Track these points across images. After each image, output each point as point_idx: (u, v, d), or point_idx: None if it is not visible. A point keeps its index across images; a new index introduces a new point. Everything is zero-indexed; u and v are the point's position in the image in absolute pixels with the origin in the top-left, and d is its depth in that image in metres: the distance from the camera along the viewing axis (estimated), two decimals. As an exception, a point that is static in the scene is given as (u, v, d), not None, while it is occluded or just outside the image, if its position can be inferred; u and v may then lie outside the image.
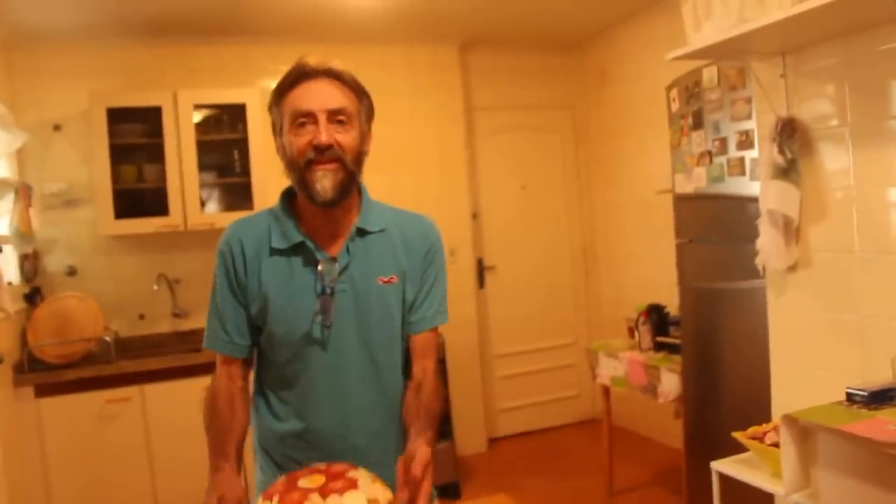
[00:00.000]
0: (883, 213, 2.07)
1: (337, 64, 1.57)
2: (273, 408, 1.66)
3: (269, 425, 1.67)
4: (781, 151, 2.22)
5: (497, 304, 5.28)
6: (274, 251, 1.58)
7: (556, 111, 5.47)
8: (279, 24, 4.24)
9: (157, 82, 4.25)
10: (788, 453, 1.74)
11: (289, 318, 1.57)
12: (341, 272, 1.58)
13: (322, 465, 1.39)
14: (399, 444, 1.61)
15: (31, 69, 4.11)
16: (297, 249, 1.58)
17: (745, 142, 2.68)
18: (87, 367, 3.72)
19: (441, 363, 4.22)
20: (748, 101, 2.63)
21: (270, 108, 1.59)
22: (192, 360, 3.78)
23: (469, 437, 4.94)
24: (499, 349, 5.29)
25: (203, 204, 4.20)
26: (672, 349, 3.44)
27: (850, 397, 1.82)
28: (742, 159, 2.70)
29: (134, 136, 4.08)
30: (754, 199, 2.42)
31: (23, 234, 3.82)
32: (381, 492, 1.32)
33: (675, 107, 3.11)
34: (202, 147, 4.12)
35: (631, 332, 3.83)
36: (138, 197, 4.11)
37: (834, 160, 2.20)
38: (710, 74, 2.84)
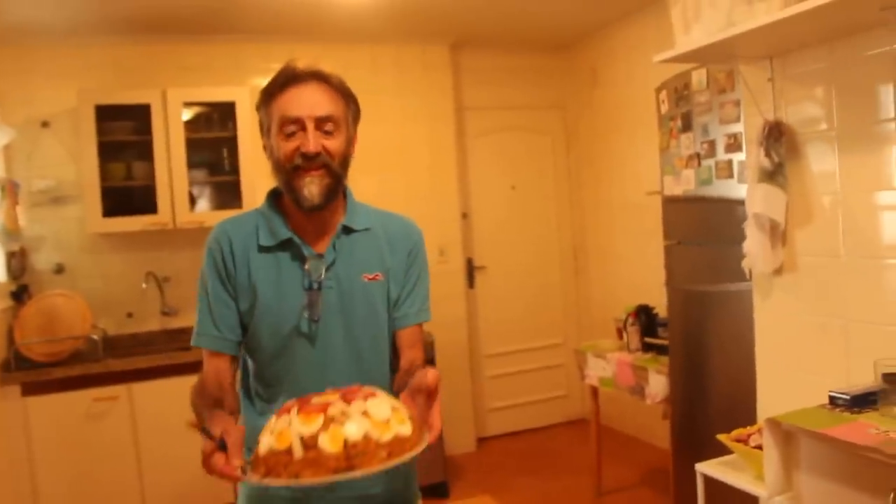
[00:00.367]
0: (869, 218, 2.08)
1: (325, 68, 1.58)
2: (258, 407, 1.66)
3: (253, 425, 1.66)
4: (768, 155, 2.24)
5: (487, 304, 5.28)
6: (262, 248, 1.60)
7: (547, 111, 5.48)
8: (269, 22, 4.23)
9: (147, 80, 4.23)
10: (771, 456, 1.75)
11: (277, 313, 1.58)
12: (328, 269, 1.59)
13: (331, 388, 1.34)
14: None
15: (20, 66, 4.08)
16: (284, 246, 1.60)
17: (734, 145, 2.68)
18: (75, 366, 3.71)
19: (430, 363, 4.21)
20: (737, 104, 2.64)
21: (259, 109, 1.60)
22: (180, 359, 3.76)
23: (458, 437, 4.94)
24: (488, 349, 5.29)
25: (192, 202, 4.18)
26: (660, 350, 3.45)
27: (833, 401, 1.83)
28: (730, 162, 2.71)
29: (123, 133, 4.06)
30: (742, 202, 2.43)
31: (10, 231, 3.81)
32: (400, 404, 1.30)
33: (664, 109, 3.11)
34: (191, 145, 4.11)
35: (619, 332, 3.84)
36: (127, 195, 4.09)
37: (820, 164, 2.21)
38: (699, 77, 2.85)
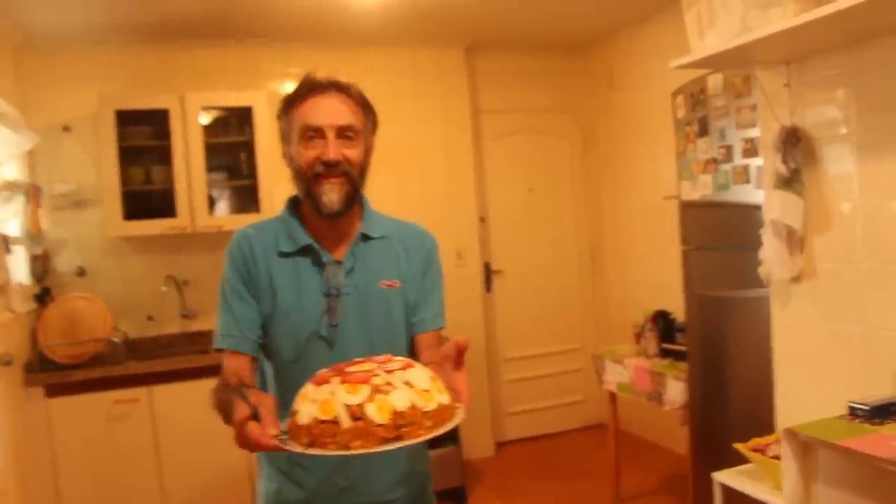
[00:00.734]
0: (889, 224, 2.05)
1: (344, 80, 1.62)
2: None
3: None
4: (785, 161, 2.21)
5: (504, 308, 5.27)
6: (282, 254, 1.63)
7: (564, 114, 5.45)
8: (286, 27, 4.25)
9: (165, 85, 4.27)
10: (789, 468, 1.72)
11: (297, 317, 1.60)
12: (346, 275, 1.62)
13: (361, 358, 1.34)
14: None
15: (42, 72, 4.14)
16: (304, 252, 1.63)
17: (751, 149, 2.66)
18: (97, 368, 3.75)
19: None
20: (754, 108, 2.61)
21: (279, 117, 1.64)
22: (200, 362, 3.79)
23: (476, 442, 4.94)
24: (506, 353, 5.28)
25: (211, 206, 4.21)
26: (678, 356, 3.42)
27: (853, 411, 1.80)
28: (747, 167, 2.69)
29: (142, 138, 4.10)
30: (759, 208, 2.41)
31: (33, 234, 3.86)
32: (435, 374, 1.29)
33: (680, 113, 3.09)
34: (209, 149, 4.14)
35: (637, 338, 3.81)
36: (146, 198, 4.14)
37: (839, 169, 2.19)
38: (715, 81, 2.83)
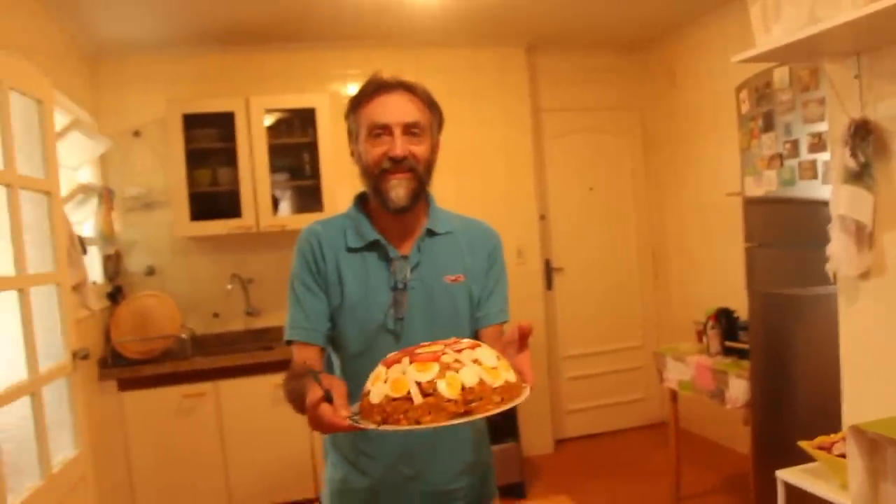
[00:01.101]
0: (962, 219, 1.99)
1: (411, 79, 1.66)
2: None
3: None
4: (854, 155, 2.16)
5: (565, 306, 5.26)
6: (350, 249, 1.68)
7: (625, 112, 5.40)
8: (346, 29, 4.32)
9: (230, 88, 4.39)
10: (856, 466, 1.69)
11: (364, 311, 1.65)
12: (412, 269, 1.66)
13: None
14: (467, 436, 1.71)
15: (114, 79, 4.29)
16: (371, 247, 1.67)
17: (818, 144, 2.61)
18: (166, 363, 3.88)
19: (508, 363, 4.22)
20: (821, 102, 2.56)
21: (347, 117, 1.68)
22: (264, 358, 3.88)
23: (536, 438, 4.94)
24: (566, 350, 5.27)
25: (275, 206, 4.30)
26: (741, 354, 3.37)
27: (924, 410, 1.76)
28: (814, 162, 2.63)
29: (208, 140, 4.22)
30: (826, 204, 2.35)
31: (105, 235, 4.01)
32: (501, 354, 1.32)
33: (744, 108, 3.04)
34: (273, 150, 4.23)
35: (699, 336, 3.76)
36: (213, 199, 4.25)
37: (911, 164, 2.13)
38: (781, 75, 2.77)
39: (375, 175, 1.61)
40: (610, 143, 5.38)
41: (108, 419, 3.72)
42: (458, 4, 4.04)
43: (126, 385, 3.79)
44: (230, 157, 4.19)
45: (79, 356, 2.82)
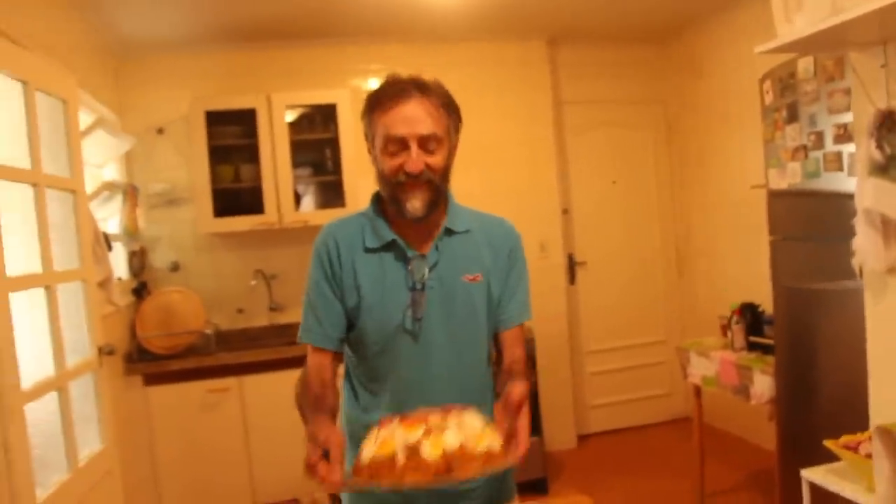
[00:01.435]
0: None
1: (428, 79, 1.63)
2: (361, 400, 1.73)
3: (357, 418, 1.73)
4: (880, 147, 2.12)
5: (588, 300, 5.23)
6: (367, 249, 1.67)
7: (648, 105, 5.35)
8: (368, 24, 4.32)
9: (252, 85, 4.41)
10: (882, 467, 1.67)
11: (382, 311, 1.65)
12: (430, 269, 1.65)
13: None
14: None
15: (138, 77, 4.34)
16: (388, 248, 1.67)
17: (843, 135, 2.56)
18: (190, 358, 3.93)
19: (530, 359, 4.21)
20: (847, 92, 2.51)
21: (363, 118, 1.66)
22: (287, 353, 3.91)
23: (558, 434, 4.93)
24: (589, 345, 5.24)
25: (297, 201, 4.32)
26: (766, 350, 3.33)
27: (952, 408, 1.73)
28: (839, 154, 2.59)
29: (231, 137, 4.25)
30: (852, 196, 2.31)
31: (130, 232, 4.05)
32: (491, 422, 1.41)
33: (768, 99, 3.00)
34: (295, 146, 4.25)
35: (724, 330, 3.72)
36: (236, 196, 4.28)
37: (939, 156, 2.08)
38: (805, 65, 2.73)
39: (392, 185, 1.60)
40: (633, 136, 5.33)
41: (134, 414, 3.77)
42: (478, -2, 4.03)
43: (151, 380, 3.84)
44: (252, 154, 4.22)
45: (105, 352, 2.86)
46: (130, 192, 4.10)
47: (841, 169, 2.59)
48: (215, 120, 4.16)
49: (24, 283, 2.33)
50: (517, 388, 1.49)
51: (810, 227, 2.83)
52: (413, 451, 1.27)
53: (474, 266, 1.69)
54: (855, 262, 2.29)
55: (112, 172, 4.10)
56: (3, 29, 2.38)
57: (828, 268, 2.69)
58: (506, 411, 1.45)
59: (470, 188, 4.49)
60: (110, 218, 4.04)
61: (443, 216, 1.69)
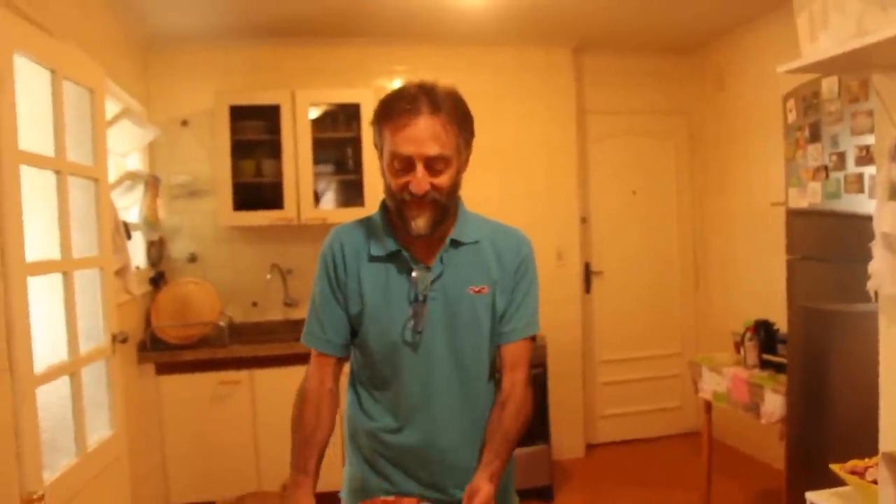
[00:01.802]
0: None
1: (442, 89, 1.56)
2: (364, 405, 1.74)
3: (359, 422, 1.74)
4: (901, 171, 2.10)
5: (603, 310, 5.21)
6: (372, 258, 1.66)
7: (671, 116, 5.33)
8: (394, 25, 4.34)
9: (277, 81, 4.44)
10: (887, 494, 1.65)
11: (383, 321, 1.64)
12: (434, 281, 1.64)
13: (391, 498, 1.55)
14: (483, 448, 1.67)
15: (165, 69, 4.39)
16: (393, 258, 1.65)
17: (865, 157, 2.54)
18: (204, 350, 3.96)
19: (541, 367, 4.21)
20: (870, 114, 2.49)
21: (373, 125, 1.63)
22: (300, 349, 3.84)
23: (567, 442, 4.92)
24: (602, 355, 5.22)
25: (316, 199, 4.35)
26: (778, 368, 3.30)
27: (961, 437, 1.71)
28: (861, 175, 2.56)
29: (254, 132, 4.28)
30: (872, 219, 2.29)
31: (150, 222, 4.09)
32: None
33: (791, 117, 2.98)
34: (317, 144, 4.27)
35: (737, 347, 3.70)
36: (256, 190, 4.32)
37: (960, 182, 2.06)
38: (829, 85, 2.71)
39: (397, 200, 1.58)
40: (654, 147, 5.31)
41: (145, 402, 3.81)
42: (505, 3, 4.03)
43: (164, 369, 3.88)
44: (275, 149, 4.25)
45: (118, 339, 2.89)
46: (152, 183, 4.15)
47: (862, 191, 2.57)
48: (239, 114, 4.20)
49: (43, 268, 2.36)
50: (482, 493, 1.48)
51: (829, 248, 2.80)
52: None
53: (481, 278, 1.67)
54: (870, 285, 2.27)
55: (135, 162, 4.15)
56: (34, 18, 2.42)
57: (845, 289, 2.67)
58: None
59: (488, 192, 4.53)
60: (131, 207, 4.08)
61: (450, 226, 1.66)
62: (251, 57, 4.49)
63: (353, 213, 1.77)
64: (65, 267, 2.50)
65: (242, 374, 3.95)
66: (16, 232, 2.11)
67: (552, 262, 4.83)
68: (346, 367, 1.77)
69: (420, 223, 1.57)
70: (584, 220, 5.11)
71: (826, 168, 2.74)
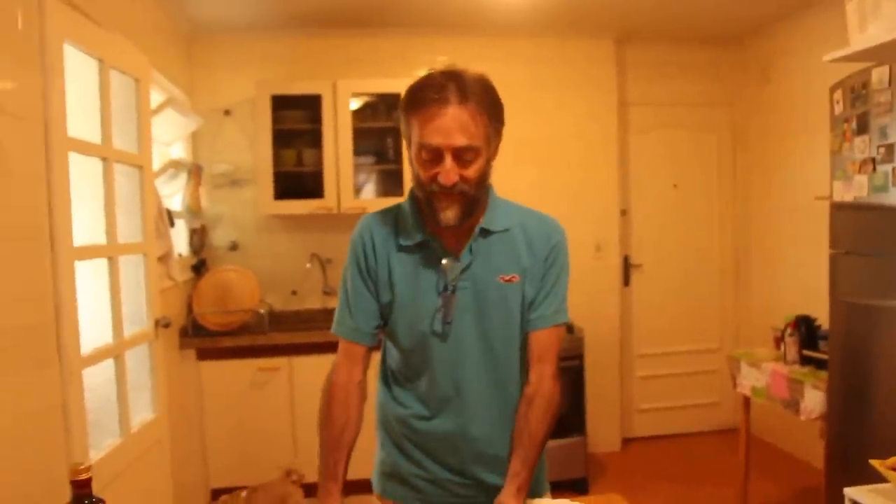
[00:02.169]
0: None
1: (471, 77, 1.53)
2: (394, 393, 1.75)
3: (390, 409, 1.75)
4: (950, 164, 2.05)
5: (641, 303, 5.17)
6: (401, 247, 1.65)
7: (714, 108, 5.25)
8: (435, 15, 4.34)
9: (319, 71, 4.48)
10: (928, 490, 1.62)
11: (412, 311, 1.64)
12: (463, 270, 1.62)
13: None
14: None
15: (208, 59, 4.45)
16: (422, 247, 1.64)
17: (914, 150, 2.48)
18: (243, 336, 4.02)
19: (578, 358, 4.20)
20: (921, 105, 2.44)
21: (400, 114, 1.60)
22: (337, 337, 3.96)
23: (603, 435, 4.90)
24: (640, 349, 5.19)
25: (357, 189, 4.38)
26: (819, 364, 3.25)
27: None
28: (910, 169, 2.51)
29: (295, 121, 4.32)
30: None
31: (193, 210, 4.17)
32: None
33: (838, 109, 2.92)
34: (358, 134, 4.30)
35: (777, 342, 3.65)
36: (297, 180, 4.36)
37: None
38: (879, 75, 2.64)
39: (426, 191, 1.55)
40: (697, 140, 5.24)
41: (186, 387, 3.88)
42: (546, -6, 4.01)
43: (204, 355, 3.95)
44: (315, 139, 4.29)
45: (161, 324, 2.96)
46: (195, 171, 4.22)
47: (910, 184, 2.51)
48: (281, 104, 4.24)
49: (90, 252, 2.42)
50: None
51: (874, 243, 2.75)
52: None
53: (511, 266, 1.64)
54: (916, 280, 2.23)
55: (179, 151, 4.22)
56: (83, 9, 2.47)
57: (889, 285, 2.62)
58: None
59: (525, 184, 4.53)
60: (174, 195, 4.16)
61: (480, 214, 1.64)
62: (293, 47, 4.53)
63: (393, 203, 1.75)
64: (110, 252, 2.56)
65: (281, 361, 4.01)
66: (64, 217, 2.16)
67: (591, 255, 4.80)
68: (375, 360, 1.77)
69: (449, 214, 1.54)
70: (624, 213, 5.07)
71: (873, 160, 2.68)
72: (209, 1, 3.92)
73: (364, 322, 1.67)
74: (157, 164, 3.55)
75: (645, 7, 4.32)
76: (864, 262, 2.81)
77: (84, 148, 2.37)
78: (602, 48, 4.88)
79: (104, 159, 2.53)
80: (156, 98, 3.56)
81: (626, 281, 5.13)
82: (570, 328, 4.16)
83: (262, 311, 4.19)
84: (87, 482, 1.27)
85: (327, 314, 4.49)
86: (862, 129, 2.76)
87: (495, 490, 1.61)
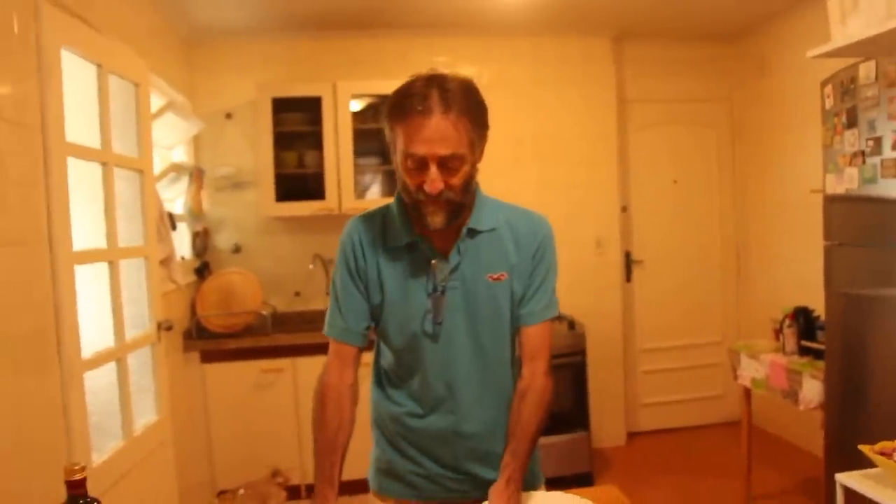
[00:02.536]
0: None
1: (454, 82, 1.52)
2: (388, 392, 1.77)
3: (384, 407, 1.78)
4: (935, 154, 2.07)
5: (643, 298, 5.19)
6: (390, 249, 1.66)
7: (712, 104, 5.27)
8: (434, 16, 4.37)
9: (319, 73, 4.52)
10: (913, 475, 1.64)
11: (403, 312, 1.66)
12: (452, 271, 1.64)
13: None
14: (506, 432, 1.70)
15: (209, 63, 4.49)
16: (411, 248, 1.65)
17: (903, 141, 2.50)
18: (247, 338, 4.05)
19: (581, 354, 4.23)
20: (908, 97, 2.45)
21: (383, 120, 1.59)
22: (340, 337, 3.99)
23: (608, 430, 4.92)
24: (643, 343, 5.21)
25: (358, 190, 4.41)
26: (817, 355, 3.27)
27: None
28: (898, 160, 2.53)
29: (296, 124, 4.36)
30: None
31: (195, 213, 4.21)
32: None
33: (829, 103, 2.93)
34: (358, 135, 4.33)
35: (776, 334, 3.67)
36: (298, 181, 4.39)
37: None
38: (867, 70, 2.66)
39: (412, 198, 1.55)
40: (695, 136, 5.26)
41: (190, 389, 3.93)
42: (543, -7, 4.03)
43: (208, 357, 3.99)
44: (316, 141, 4.32)
45: (163, 327, 2.99)
46: (197, 174, 4.26)
47: (899, 175, 2.53)
48: (281, 107, 4.28)
49: (89, 257, 2.46)
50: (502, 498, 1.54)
51: (866, 234, 2.77)
52: None
53: (499, 264, 1.66)
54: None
55: (180, 154, 4.27)
56: (81, 15, 2.51)
57: (883, 274, 2.64)
58: None
59: (527, 182, 4.55)
60: (177, 199, 4.20)
61: (466, 215, 1.64)
62: (292, 49, 4.57)
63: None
64: (110, 256, 2.60)
65: (285, 362, 4.04)
66: (63, 221, 2.20)
67: (591, 251, 4.81)
68: (366, 360, 1.77)
69: (436, 219, 1.55)
70: (624, 209, 5.09)
71: (863, 153, 2.70)
72: (208, 5, 3.96)
73: (354, 322, 1.69)
74: (158, 168, 3.59)
75: (642, 5, 4.33)
76: (857, 252, 2.84)
77: (83, 153, 2.41)
78: (600, 46, 4.90)
79: (104, 164, 2.56)
80: (157, 102, 3.60)
81: (628, 277, 5.15)
82: (571, 324, 4.20)
83: (265, 312, 4.22)
84: (82, 482, 1.27)
85: (330, 314, 4.53)
86: (851, 122, 2.78)
87: (489, 484, 1.63)
